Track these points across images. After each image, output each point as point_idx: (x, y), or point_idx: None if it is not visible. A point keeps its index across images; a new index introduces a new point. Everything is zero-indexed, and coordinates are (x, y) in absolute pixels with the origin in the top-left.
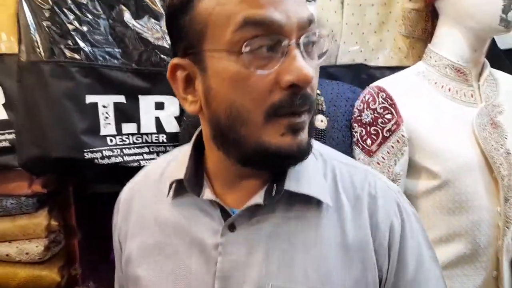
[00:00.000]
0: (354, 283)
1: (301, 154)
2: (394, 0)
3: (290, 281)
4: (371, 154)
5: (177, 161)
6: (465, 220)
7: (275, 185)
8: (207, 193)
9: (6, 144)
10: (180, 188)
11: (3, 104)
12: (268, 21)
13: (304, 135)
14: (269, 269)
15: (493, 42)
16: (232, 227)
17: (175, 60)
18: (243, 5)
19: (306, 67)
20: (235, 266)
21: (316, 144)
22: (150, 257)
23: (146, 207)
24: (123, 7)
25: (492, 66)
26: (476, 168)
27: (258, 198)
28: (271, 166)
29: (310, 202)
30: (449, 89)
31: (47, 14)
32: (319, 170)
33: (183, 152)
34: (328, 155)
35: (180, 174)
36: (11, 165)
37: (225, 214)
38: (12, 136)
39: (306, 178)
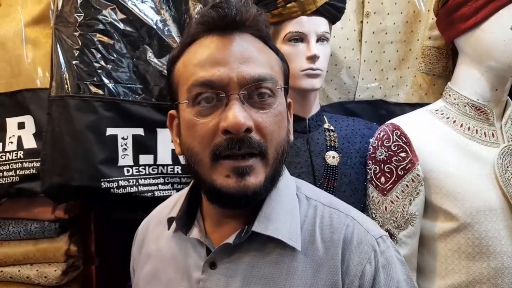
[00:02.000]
0: None
1: (246, 197)
2: (414, 37)
3: None
4: (385, 192)
5: (181, 199)
6: (486, 266)
7: (246, 226)
8: (195, 232)
9: (33, 171)
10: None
11: (33, 134)
12: (209, 81)
13: (253, 179)
14: None
15: None
16: (213, 265)
17: (171, 111)
18: (196, 68)
19: (239, 115)
20: None
21: (304, 187)
22: (150, 284)
23: (154, 239)
24: (147, 47)
25: None
26: (498, 212)
27: (231, 238)
28: (224, 205)
29: (283, 243)
30: (469, 128)
31: (76, 54)
32: (298, 212)
33: (187, 191)
34: (314, 198)
35: (176, 212)
36: (36, 191)
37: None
38: (39, 164)
39: (277, 220)
